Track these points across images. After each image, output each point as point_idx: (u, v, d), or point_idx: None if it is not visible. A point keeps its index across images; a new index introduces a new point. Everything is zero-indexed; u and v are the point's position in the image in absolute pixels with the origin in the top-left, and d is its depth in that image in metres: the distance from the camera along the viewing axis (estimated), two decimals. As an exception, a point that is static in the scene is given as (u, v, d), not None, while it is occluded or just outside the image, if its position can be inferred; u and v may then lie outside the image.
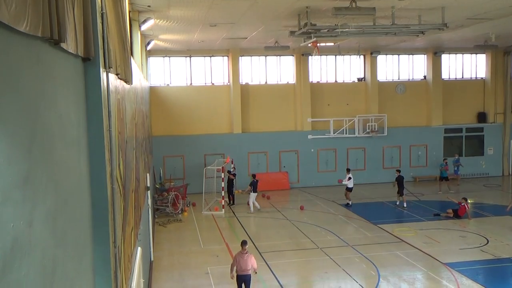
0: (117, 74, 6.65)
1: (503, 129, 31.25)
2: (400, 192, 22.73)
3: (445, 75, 30.87)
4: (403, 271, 14.54)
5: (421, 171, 30.11)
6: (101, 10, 5.35)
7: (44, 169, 3.20)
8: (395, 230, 18.86)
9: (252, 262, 12.08)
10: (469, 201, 21.21)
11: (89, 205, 4.99)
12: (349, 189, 23.19)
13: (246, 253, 12.14)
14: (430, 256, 15.78)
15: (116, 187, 5.81)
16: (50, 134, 3.40)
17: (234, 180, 24.56)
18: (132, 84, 9.44)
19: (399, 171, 23.43)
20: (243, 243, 12.44)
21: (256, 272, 12.45)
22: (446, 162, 26.52)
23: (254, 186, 22.71)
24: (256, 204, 22.76)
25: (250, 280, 12.20)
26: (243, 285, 12.23)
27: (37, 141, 3.08)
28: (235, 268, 12.14)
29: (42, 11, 2.99)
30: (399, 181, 22.75)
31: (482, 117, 31.32)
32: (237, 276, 12.15)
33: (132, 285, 7.38)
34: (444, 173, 25.98)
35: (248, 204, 22.80)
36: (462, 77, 31.42)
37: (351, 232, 18.96)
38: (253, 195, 22.66)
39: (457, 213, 20.38)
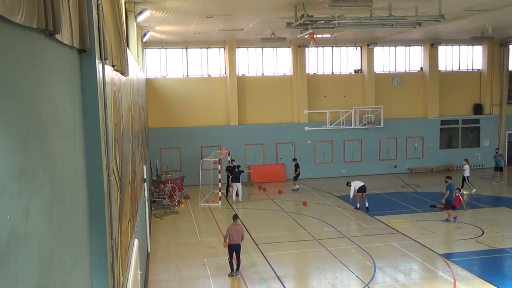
0: (113, 66, 6.62)
1: (499, 120, 31.34)
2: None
3: (441, 67, 30.88)
4: (399, 262, 14.63)
5: (417, 163, 30.19)
6: (97, 1, 5.31)
7: (40, 161, 3.20)
8: (391, 221, 18.94)
9: (242, 233, 13.98)
10: (464, 192, 21.21)
11: (86, 197, 4.99)
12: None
13: (237, 225, 14.02)
14: (426, 247, 15.87)
15: (112, 179, 5.80)
16: (45, 126, 3.39)
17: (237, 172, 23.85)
18: (128, 75, 9.41)
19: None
20: (235, 217, 14.39)
21: (242, 241, 14.08)
22: (497, 151, 27.07)
23: (235, 176, 23.30)
24: (236, 196, 23.38)
25: (240, 248, 14.00)
26: (234, 253, 13.90)
27: (33, 133, 3.07)
28: (227, 238, 13.84)
29: (37, 2, 2.96)
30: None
31: (478, 108, 31.39)
32: (229, 245, 13.84)
33: (129, 277, 7.39)
34: (500, 163, 26.19)
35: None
36: (459, 69, 31.45)
37: (347, 224, 19.03)
38: (235, 186, 23.29)
39: (453, 204, 20.44)
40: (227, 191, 24.36)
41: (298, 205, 22.31)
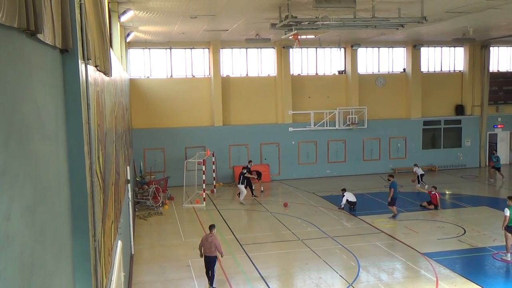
0: (96, 66, 6.57)
1: (480, 121, 31.78)
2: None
3: (424, 68, 31.22)
4: (382, 262, 14.74)
5: (400, 163, 30.46)
6: (80, 1, 5.27)
7: (21, 162, 3.16)
8: (375, 221, 19.09)
9: (216, 245, 12.90)
10: (446, 192, 21.49)
11: (68, 199, 4.94)
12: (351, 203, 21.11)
13: (211, 236, 13.04)
14: (409, 246, 16.02)
15: (95, 180, 5.76)
16: (27, 127, 3.35)
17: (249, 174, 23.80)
18: (111, 76, 9.34)
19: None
20: (211, 227, 13.49)
21: (222, 256, 13.24)
22: (494, 153, 28.00)
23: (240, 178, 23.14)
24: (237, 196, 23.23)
25: (214, 262, 13.02)
26: (209, 265, 13.07)
27: (14, 133, 3.03)
28: (202, 248, 13.14)
29: (18, 2, 2.93)
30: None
31: (460, 109, 31.80)
32: (204, 256, 13.09)
33: (112, 279, 7.34)
34: (498, 164, 27.14)
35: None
36: (441, 70, 31.82)
37: (331, 224, 19.12)
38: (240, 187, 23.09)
39: (432, 203, 20.79)
40: (252, 191, 23.97)
41: (282, 206, 22.33)
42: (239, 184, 23.09)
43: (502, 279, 13.59)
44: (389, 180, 20.18)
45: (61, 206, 4.54)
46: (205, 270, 13.16)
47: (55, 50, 4.53)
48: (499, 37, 28.45)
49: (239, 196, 23.30)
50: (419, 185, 25.46)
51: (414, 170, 26.05)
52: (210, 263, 13.03)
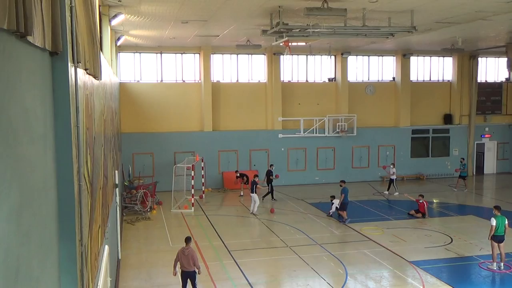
0: (85, 69, 6.53)
1: (468, 130, 32.09)
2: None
3: (413, 77, 31.48)
4: (370, 269, 14.77)
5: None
6: (70, 4, 5.24)
7: (8, 165, 3.12)
8: (363, 228, 19.13)
9: (193, 258, 12.10)
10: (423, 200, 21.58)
11: (55, 203, 4.89)
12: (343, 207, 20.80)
13: (187, 249, 12.23)
14: (396, 254, 16.07)
15: (83, 184, 5.71)
16: (15, 129, 3.32)
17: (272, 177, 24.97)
18: (101, 79, 9.29)
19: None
20: (187, 239, 12.53)
21: (199, 272, 12.37)
22: (462, 161, 27.85)
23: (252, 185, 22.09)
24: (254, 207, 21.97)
25: (194, 276, 12.22)
26: (188, 281, 12.26)
27: (1, 136, 3.00)
28: (178, 264, 12.30)
29: (9, 3, 2.91)
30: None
31: (448, 118, 32.08)
32: (182, 272, 12.32)
33: (98, 284, 7.27)
34: (464, 173, 27.07)
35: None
36: (430, 79, 32.11)
37: (320, 231, 19.13)
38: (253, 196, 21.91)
39: (420, 211, 20.92)
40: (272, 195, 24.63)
41: (270, 212, 22.30)
42: (252, 193, 21.90)
43: (488, 288, 13.68)
44: (341, 185, 20.77)
45: (48, 209, 4.49)
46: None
47: (44, 53, 4.50)
48: (487, 47, 28.80)
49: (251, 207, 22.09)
50: (387, 192, 25.95)
51: (386, 169, 26.62)
52: (191, 278, 12.20)
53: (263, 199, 23.97)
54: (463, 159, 28.65)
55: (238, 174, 25.65)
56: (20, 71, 3.53)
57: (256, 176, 23.09)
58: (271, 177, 24.84)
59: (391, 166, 26.41)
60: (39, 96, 4.24)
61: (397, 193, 25.73)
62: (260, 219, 20.89)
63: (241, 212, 22.38)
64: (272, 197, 24.67)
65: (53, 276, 4.66)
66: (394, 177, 26.08)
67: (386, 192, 26.02)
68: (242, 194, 25.43)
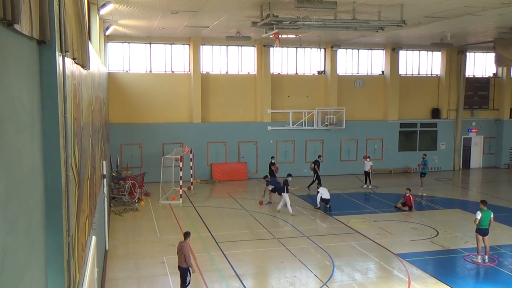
0: (73, 59, 6.47)
1: (455, 125, 32.36)
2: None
3: (402, 71, 31.62)
4: (356, 261, 14.90)
5: (376, 164, 30.72)
6: (58, -8, 5.18)
7: (-6, 155, 3.09)
8: (350, 221, 19.27)
9: (185, 254, 11.70)
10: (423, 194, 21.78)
11: (42, 193, 4.86)
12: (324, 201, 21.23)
13: (181, 243, 12.01)
14: (382, 247, 16.22)
15: (70, 175, 5.67)
16: (1, 118, 3.28)
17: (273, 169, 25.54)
18: (89, 69, 9.22)
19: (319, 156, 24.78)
20: (185, 234, 12.29)
21: (193, 271, 12.11)
22: (423, 158, 26.69)
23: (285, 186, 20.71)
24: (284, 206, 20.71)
25: (184, 273, 11.87)
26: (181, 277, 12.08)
27: (-12, 125, 2.97)
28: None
29: (-5, -10, 2.87)
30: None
31: (436, 113, 32.31)
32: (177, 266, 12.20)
33: (85, 274, 7.25)
34: (424, 169, 26.07)
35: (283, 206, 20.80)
36: (418, 74, 32.28)
37: (307, 223, 19.23)
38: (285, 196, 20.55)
39: (407, 204, 21.10)
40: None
41: (259, 204, 22.36)
42: (284, 193, 20.50)
43: (472, 280, 13.87)
44: (266, 180, 22.58)
45: (35, 200, 4.47)
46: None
47: (32, 41, 4.45)
48: (475, 43, 29.01)
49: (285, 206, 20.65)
50: (366, 186, 26.11)
51: (363, 162, 26.59)
52: (181, 273, 11.85)
53: (308, 188, 24.82)
54: (425, 155, 27.21)
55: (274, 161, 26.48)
56: (6, 60, 3.49)
57: (289, 175, 21.58)
58: (271, 166, 25.74)
59: (368, 159, 26.37)
60: (26, 85, 4.19)
61: (365, 186, 26.06)
62: (248, 211, 20.94)
63: (229, 204, 22.41)
64: (309, 186, 25.26)
65: (40, 266, 4.64)
66: (367, 168, 26.00)
67: (365, 186, 26.16)
68: (271, 201, 22.11)
